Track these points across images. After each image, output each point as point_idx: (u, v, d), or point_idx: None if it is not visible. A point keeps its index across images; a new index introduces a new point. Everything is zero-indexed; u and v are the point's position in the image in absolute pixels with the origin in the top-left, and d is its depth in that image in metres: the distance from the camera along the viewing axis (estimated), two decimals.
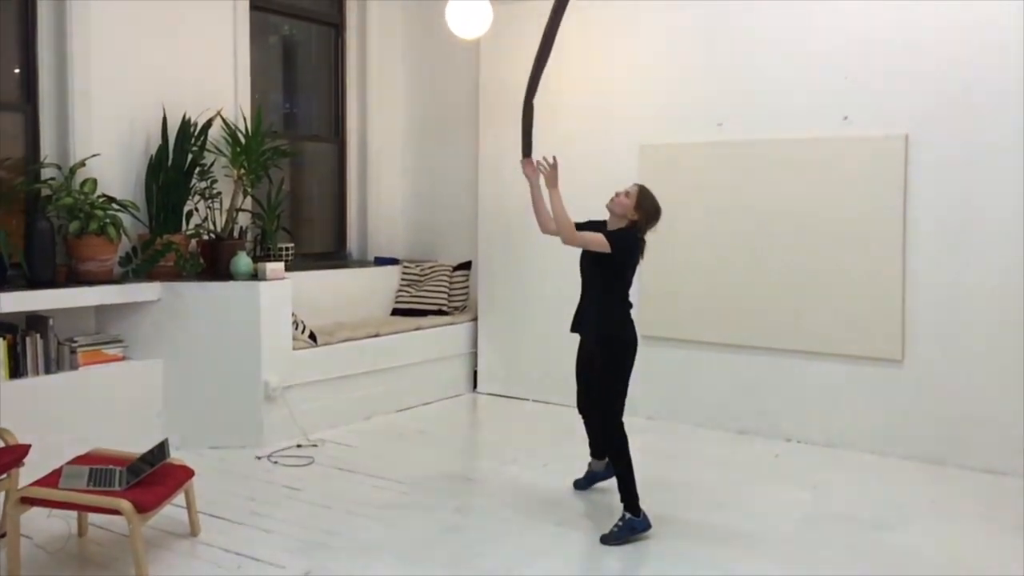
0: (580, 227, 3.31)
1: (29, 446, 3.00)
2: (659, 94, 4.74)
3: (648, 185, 3.34)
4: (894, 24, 4.06)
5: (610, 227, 3.28)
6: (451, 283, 5.43)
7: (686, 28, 4.64)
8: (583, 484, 3.67)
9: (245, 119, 4.62)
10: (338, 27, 5.60)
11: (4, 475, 2.90)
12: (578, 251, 3.35)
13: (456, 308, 5.44)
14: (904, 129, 4.06)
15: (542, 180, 3.38)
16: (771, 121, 4.40)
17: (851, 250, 4.18)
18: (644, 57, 4.78)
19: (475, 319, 5.43)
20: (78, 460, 2.88)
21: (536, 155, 3.49)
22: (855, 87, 4.18)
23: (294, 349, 4.38)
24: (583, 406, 3.54)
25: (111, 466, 2.71)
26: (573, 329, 3.43)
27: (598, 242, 3.20)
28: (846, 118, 4.22)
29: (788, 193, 4.34)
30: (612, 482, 3.37)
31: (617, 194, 3.29)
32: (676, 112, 4.68)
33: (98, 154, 4.06)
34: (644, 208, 3.26)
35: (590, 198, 4.49)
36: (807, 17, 4.29)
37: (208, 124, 4.42)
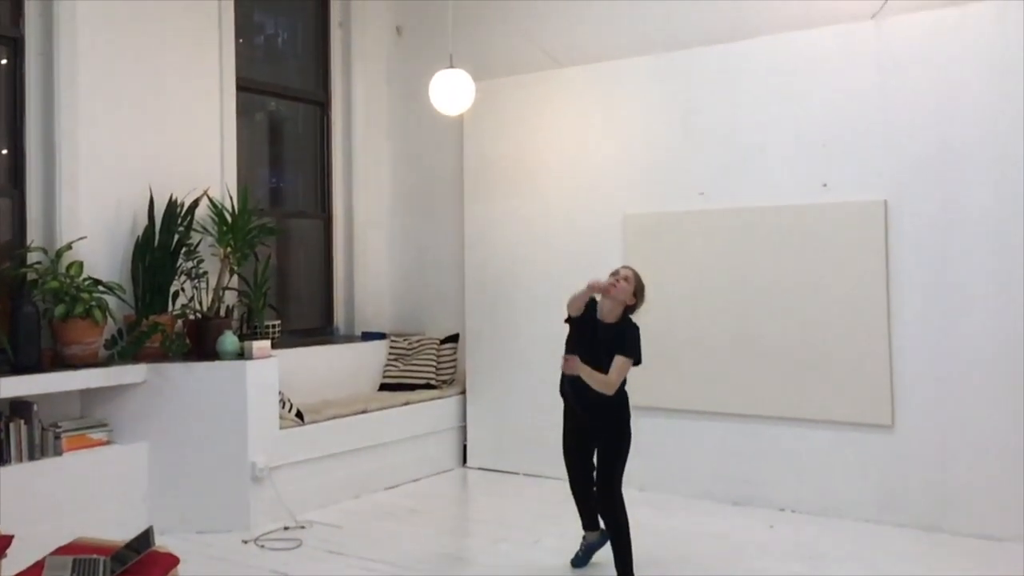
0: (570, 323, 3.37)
1: (12, 537, 2.93)
2: (642, 164, 4.81)
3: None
4: (869, 92, 4.16)
5: (604, 312, 3.32)
6: (439, 357, 5.42)
7: (666, 100, 4.74)
8: (581, 560, 3.60)
9: (232, 198, 4.65)
10: (323, 105, 5.69)
11: None
12: (564, 328, 3.39)
13: (444, 382, 5.41)
14: (883, 195, 4.14)
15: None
16: (752, 189, 4.47)
17: (837, 316, 4.20)
18: (626, 128, 4.87)
19: (463, 392, 5.40)
20: (61, 550, 2.80)
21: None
22: (833, 154, 4.26)
23: (281, 428, 4.33)
24: (578, 482, 3.51)
25: (95, 555, 2.64)
26: (575, 405, 3.41)
27: (627, 368, 3.28)
28: (825, 185, 4.29)
29: (772, 260, 4.38)
30: (606, 555, 3.32)
31: (616, 281, 3.33)
32: (659, 182, 4.75)
33: (84, 237, 4.08)
34: (639, 291, 3.33)
35: (575, 269, 4.53)
36: (784, 87, 4.39)
37: (195, 204, 4.46)
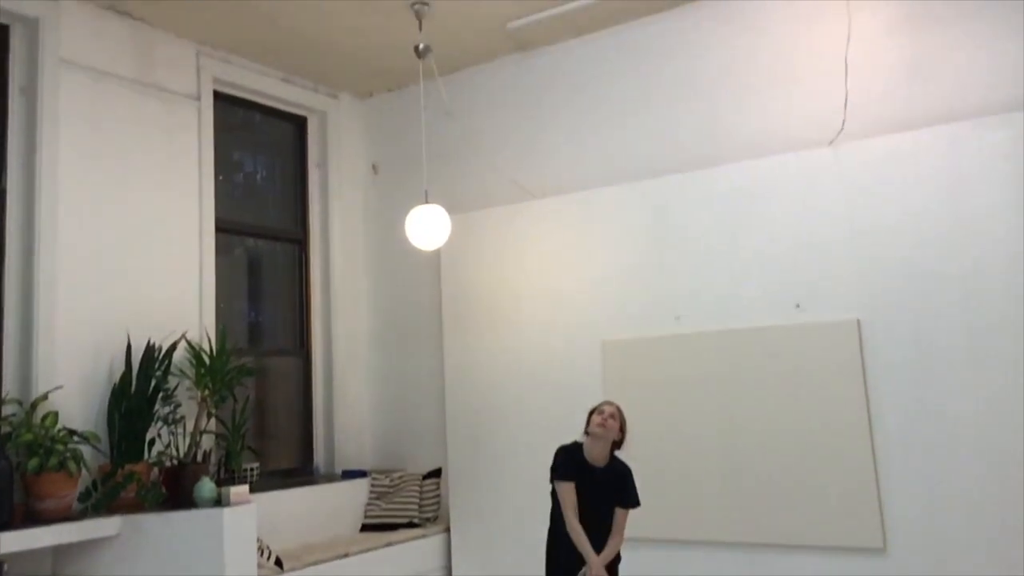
0: (560, 467, 3.35)
1: None
2: (617, 290, 4.86)
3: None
4: (834, 215, 4.28)
5: (594, 455, 3.32)
6: (421, 493, 5.31)
7: (638, 227, 4.84)
8: None
9: (210, 339, 4.64)
10: (301, 242, 5.77)
11: None
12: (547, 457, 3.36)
13: (428, 519, 5.29)
14: (856, 314, 4.20)
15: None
16: (726, 312, 4.52)
17: (819, 437, 4.18)
18: (600, 256, 4.95)
19: (447, 530, 5.27)
20: None
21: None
22: (805, 275, 4.34)
23: None
24: None
25: None
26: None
27: (628, 513, 3.34)
28: (798, 306, 4.35)
29: (751, 383, 4.40)
30: None
31: (603, 420, 3.35)
32: (635, 307, 4.79)
33: (61, 386, 4.03)
34: (624, 426, 3.34)
35: (556, 398, 4.52)
36: (751, 211, 4.50)
37: (172, 348, 4.44)
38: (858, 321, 4.18)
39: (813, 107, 4.43)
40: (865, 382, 4.13)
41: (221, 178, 5.19)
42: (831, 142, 4.34)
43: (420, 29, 4.77)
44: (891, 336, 4.10)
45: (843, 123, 4.31)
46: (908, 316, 4.07)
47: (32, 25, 4.26)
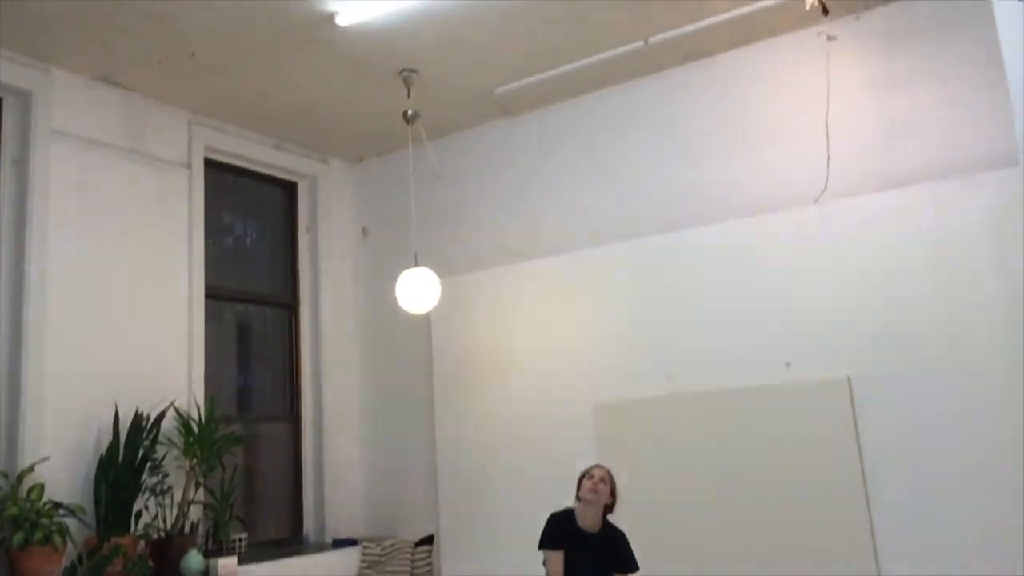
0: (548, 536, 3.31)
1: None
2: (608, 351, 4.86)
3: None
4: (821, 272, 4.31)
5: (587, 521, 3.29)
6: (413, 561, 5.22)
7: (627, 287, 4.86)
8: None
9: (199, 407, 4.60)
10: (291, 306, 5.76)
11: None
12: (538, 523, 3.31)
13: None
14: (846, 371, 4.20)
15: None
16: (717, 371, 4.50)
17: (814, 495, 4.15)
18: (590, 316, 4.96)
19: None
20: None
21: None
22: (794, 333, 4.35)
23: None
24: None
25: None
26: None
27: None
28: (788, 364, 4.35)
29: (744, 442, 4.37)
30: None
31: (594, 484, 3.33)
32: (626, 367, 4.78)
33: (48, 458, 3.97)
34: (615, 489, 3.31)
35: (548, 462, 4.47)
36: (739, 270, 4.53)
37: (161, 416, 4.40)
38: (849, 379, 4.18)
39: (797, 166, 4.49)
40: (858, 440, 4.11)
41: (211, 241, 5.20)
42: (815, 200, 4.39)
43: (409, 96, 4.84)
44: (882, 394, 4.10)
45: (826, 182, 4.37)
46: (899, 373, 4.07)
47: (25, 97, 4.30)
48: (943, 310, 3.99)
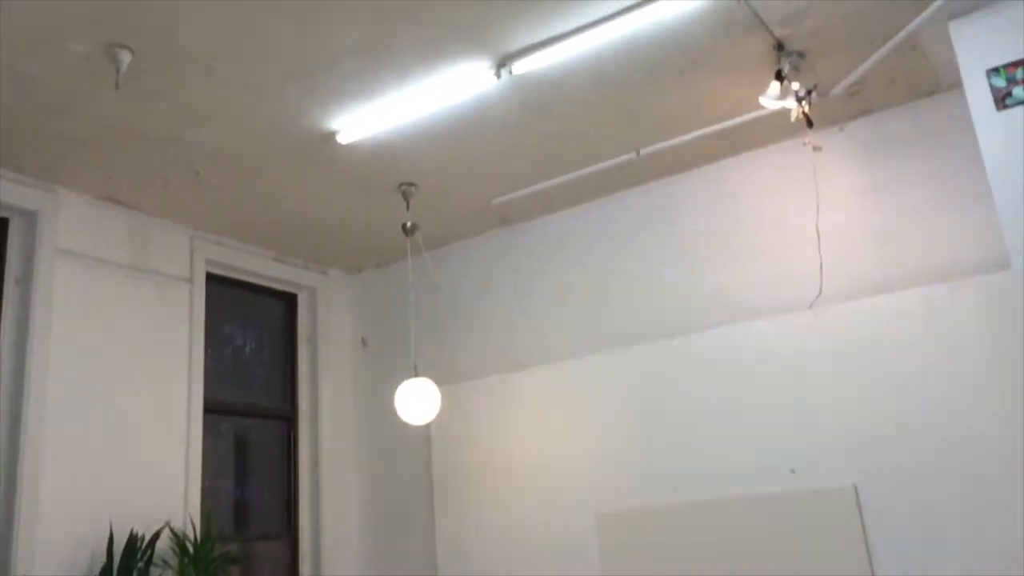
0: None
1: None
2: (611, 460, 4.81)
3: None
4: (820, 377, 4.31)
5: None
6: None
7: (629, 394, 4.85)
8: None
9: (194, 526, 4.52)
10: (290, 419, 5.72)
11: None
12: None
13: None
14: (852, 478, 4.15)
15: None
16: (721, 479, 4.46)
17: None
18: (591, 425, 4.93)
19: None
20: None
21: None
22: (797, 440, 4.32)
23: None
24: None
25: None
26: None
27: None
28: (793, 471, 4.30)
29: (750, 552, 4.28)
30: None
31: None
32: (629, 477, 4.73)
33: None
34: None
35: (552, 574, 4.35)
36: (738, 376, 4.53)
37: (155, 537, 4.31)
38: (855, 486, 4.13)
39: (792, 272, 4.54)
40: (867, 547, 4.03)
41: (210, 351, 5.20)
42: (811, 305, 4.43)
43: (407, 208, 4.94)
44: (889, 500, 4.04)
45: (820, 288, 4.42)
46: (905, 479, 4.03)
47: (31, 217, 4.38)
48: (945, 413, 3.98)
